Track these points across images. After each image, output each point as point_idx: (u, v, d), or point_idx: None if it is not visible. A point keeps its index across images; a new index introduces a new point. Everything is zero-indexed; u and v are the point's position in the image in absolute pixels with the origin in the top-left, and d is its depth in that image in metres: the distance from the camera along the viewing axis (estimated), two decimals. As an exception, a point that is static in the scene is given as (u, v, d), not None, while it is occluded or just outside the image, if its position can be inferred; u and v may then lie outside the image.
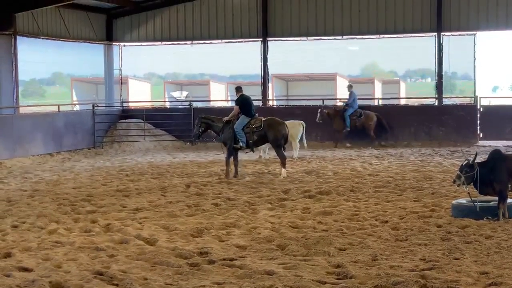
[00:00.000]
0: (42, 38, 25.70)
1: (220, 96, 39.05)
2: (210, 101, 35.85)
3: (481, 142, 25.27)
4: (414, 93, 39.88)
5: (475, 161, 11.05)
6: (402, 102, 34.38)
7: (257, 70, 28.75)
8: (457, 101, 29.01)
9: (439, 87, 26.73)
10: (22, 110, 25.48)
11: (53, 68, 33.36)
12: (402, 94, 38.71)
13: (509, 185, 10.98)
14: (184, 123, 27.62)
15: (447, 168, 18.05)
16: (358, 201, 13.15)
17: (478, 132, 25.67)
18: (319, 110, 25.30)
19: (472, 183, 11.04)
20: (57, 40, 26.57)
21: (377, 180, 16.02)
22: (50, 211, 12.57)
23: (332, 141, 25.71)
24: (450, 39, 26.55)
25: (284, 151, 17.23)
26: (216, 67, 39.04)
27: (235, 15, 28.12)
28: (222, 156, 22.68)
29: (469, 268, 8.09)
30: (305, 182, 15.86)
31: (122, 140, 26.92)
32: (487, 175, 10.93)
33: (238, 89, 17.93)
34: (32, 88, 37.23)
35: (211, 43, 29.10)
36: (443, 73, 26.81)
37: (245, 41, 28.46)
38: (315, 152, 23.10)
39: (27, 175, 18.37)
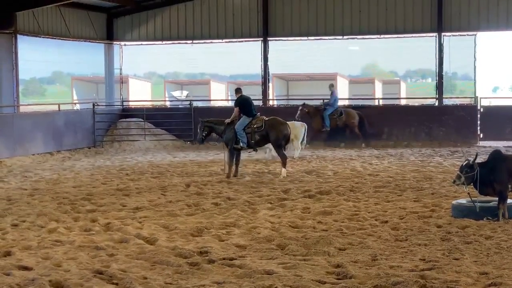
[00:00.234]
0: (43, 37, 25.70)
1: (220, 96, 39.06)
2: (210, 100, 35.86)
3: (481, 143, 25.27)
4: (415, 93, 39.87)
5: (475, 162, 11.05)
6: (403, 102, 34.39)
7: (258, 70, 28.75)
8: (458, 101, 29.02)
9: (439, 87, 26.73)
10: (22, 109, 25.49)
11: (54, 67, 33.35)
12: (403, 94, 38.73)
13: (509, 186, 10.97)
14: (185, 123, 27.64)
15: (447, 169, 18.05)
16: (358, 201, 13.15)
17: (478, 133, 25.68)
18: (300, 108, 25.18)
19: (472, 184, 11.04)
20: (58, 39, 26.57)
21: (377, 180, 16.02)
22: (50, 210, 12.57)
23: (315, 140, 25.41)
24: (451, 40, 26.55)
25: (285, 150, 17.25)
26: (217, 67, 39.04)
27: (236, 15, 28.12)
28: (222, 155, 22.74)
29: (468, 269, 8.09)
30: (305, 182, 15.86)
31: (122, 139, 26.93)
32: (487, 175, 10.92)
33: (238, 90, 18.01)
34: (32, 87, 37.22)
35: (211, 42, 29.10)
36: (443, 73, 26.82)
37: (245, 41, 28.47)
38: (315, 152, 23.09)
39: (27, 174, 18.37)
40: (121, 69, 30.06)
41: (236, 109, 17.35)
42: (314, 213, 11.96)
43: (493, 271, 8.00)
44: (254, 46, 28.40)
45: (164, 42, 29.47)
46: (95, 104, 27.44)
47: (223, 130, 17.46)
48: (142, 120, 27.84)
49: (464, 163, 11.12)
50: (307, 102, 25.93)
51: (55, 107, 25.91)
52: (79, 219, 11.76)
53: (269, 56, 28.15)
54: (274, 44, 28.29)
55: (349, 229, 10.51)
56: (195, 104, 28.95)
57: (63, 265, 8.59)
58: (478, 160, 11.23)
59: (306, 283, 7.60)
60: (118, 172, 18.71)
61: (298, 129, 20.93)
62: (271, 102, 30.18)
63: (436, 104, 27.01)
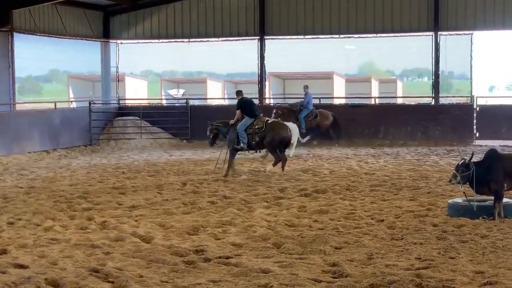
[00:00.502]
0: (39, 35, 25.67)
1: (217, 94, 39.04)
2: (207, 99, 35.85)
3: (478, 142, 25.30)
4: (411, 92, 39.89)
5: (471, 161, 11.07)
6: (399, 101, 34.40)
7: (254, 68, 28.74)
8: (454, 100, 29.03)
9: (435, 86, 26.75)
10: (18, 107, 25.45)
11: (50, 65, 33.36)
12: (399, 93, 38.75)
13: (505, 185, 10.99)
14: (181, 121, 27.64)
15: (443, 167, 18.07)
16: (354, 200, 13.16)
17: (475, 132, 25.71)
18: (274, 110, 24.95)
19: (468, 183, 11.06)
20: (54, 37, 26.53)
21: (373, 179, 16.03)
22: (46, 208, 12.56)
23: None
24: (447, 39, 26.57)
25: (289, 155, 17.44)
26: (213, 65, 39.08)
27: (232, 13, 28.11)
28: (218, 154, 22.73)
29: (464, 267, 8.10)
30: (301, 181, 15.87)
31: (118, 138, 26.91)
32: (483, 174, 10.94)
33: (238, 92, 18.21)
34: (28, 85, 37.21)
35: (208, 41, 29.08)
36: (439, 72, 26.83)
37: (242, 39, 28.46)
38: (311, 151, 23.10)
39: (23, 172, 18.35)
40: (117, 67, 30.02)
41: (238, 112, 17.52)
42: (310, 212, 11.97)
43: (489, 270, 8.01)
44: (250, 45, 28.39)
45: (160, 41, 29.45)
46: (92, 102, 27.42)
47: (226, 131, 17.62)
48: (139, 118, 27.82)
49: (460, 162, 11.13)
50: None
51: (52, 105, 25.88)
52: (75, 217, 11.76)
53: (265, 54, 28.14)
54: (271, 43, 28.29)
55: (345, 228, 10.52)
56: (191, 102, 28.92)
57: (59, 263, 8.58)
58: (474, 159, 11.25)
59: (302, 282, 7.60)
60: (114, 170, 18.70)
61: (294, 130, 20.89)
62: (267, 101, 30.16)
63: (433, 103, 27.02)
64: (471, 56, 26.47)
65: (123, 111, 28.75)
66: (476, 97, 26.23)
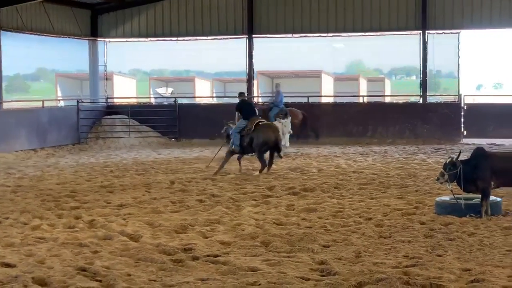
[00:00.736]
0: (27, 33, 25.55)
1: (205, 93, 39.03)
2: (195, 97, 35.82)
3: (465, 140, 25.39)
4: (399, 90, 40.00)
5: (459, 159, 11.11)
6: (387, 99, 34.49)
7: (243, 67, 28.74)
8: (442, 99, 29.12)
9: (423, 85, 26.82)
10: (6, 105, 25.33)
11: (38, 63, 33.25)
12: (387, 91, 38.84)
13: (492, 183, 11.04)
14: (169, 120, 27.60)
15: (431, 166, 18.12)
16: (342, 198, 13.18)
17: (462, 130, 25.80)
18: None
19: (455, 181, 11.10)
20: (42, 35, 26.43)
21: (361, 177, 16.06)
22: (33, 206, 12.52)
23: None
24: (435, 37, 26.65)
25: (280, 157, 17.36)
26: (202, 64, 39.03)
27: (221, 12, 28.09)
28: (207, 152, 22.77)
29: (451, 265, 8.13)
30: (290, 179, 15.88)
31: (107, 136, 26.85)
32: (470, 173, 10.98)
33: (240, 94, 18.47)
34: (16, 84, 37.08)
35: (196, 39, 29.05)
36: (427, 71, 26.92)
37: (230, 38, 28.44)
38: (299, 149, 23.12)
39: (10, 170, 18.28)
40: (105, 65, 29.95)
41: (237, 113, 17.69)
42: (298, 210, 11.98)
43: (476, 267, 8.05)
44: (239, 43, 28.38)
45: (149, 39, 29.38)
46: (80, 101, 27.34)
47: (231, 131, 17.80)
48: (127, 117, 27.76)
49: (448, 161, 11.17)
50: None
51: (39, 104, 25.79)
52: (62, 216, 11.72)
53: (254, 53, 28.15)
54: (259, 41, 28.29)
55: (333, 226, 10.54)
56: (180, 101, 28.89)
57: (46, 262, 8.56)
58: (462, 158, 11.29)
59: (290, 280, 7.61)
60: (103, 169, 18.66)
61: (285, 127, 20.94)
62: (255, 99, 30.17)
63: (420, 101, 27.10)
64: (458, 55, 26.57)
65: (112, 109, 28.68)
66: (464, 95, 26.33)
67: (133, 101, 32.45)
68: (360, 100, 30.78)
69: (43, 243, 9.62)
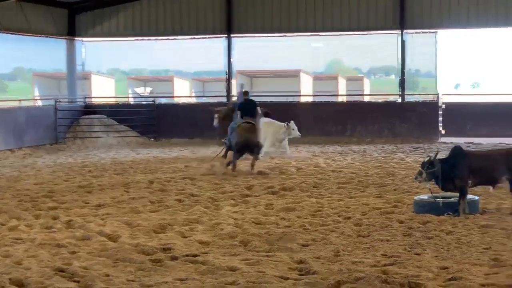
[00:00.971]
0: (3, 33, 25.33)
1: (184, 92, 38.96)
2: (174, 97, 35.74)
3: (443, 139, 25.52)
4: (378, 90, 40.17)
5: (437, 158, 11.17)
6: (366, 98, 34.62)
7: (222, 66, 28.71)
8: (420, 98, 29.27)
9: (402, 84, 26.93)
10: (-18, 105, 25.15)
11: (15, 63, 33.04)
12: (366, 91, 38.99)
13: (470, 181, 11.11)
14: (148, 119, 27.51)
15: (410, 165, 18.19)
16: (321, 197, 13.20)
17: (440, 129, 25.94)
18: (215, 116, 24.64)
19: (433, 180, 11.15)
20: (18, 34, 26.23)
21: (340, 177, 16.09)
22: (10, 207, 12.41)
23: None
24: (413, 37, 26.79)
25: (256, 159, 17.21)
26: (181, 63, 38.98)
27: (200, 11, 28.03)
28: (186, 152, 22.76)
29: (429, 263, 8.17)
30: (269, 178, 15.87)
31: (85, 136, 26.71)
32: (448, 171, 11.04)
33: (244, 93, 18.49)
34: (-7, 83, 36.81)
35: (175, 39, 28.98)
36: (406, 70, 27.04)
37: (209, 37, 28.40)
38: (278, 149, 23.08)
39: (-13, 171, 18.14)
40: (83, 65, 29.78)
41: (238, 112, 17.81)
42: (277, 210, 11.98)
43: (454, 265, 8.09)
44: (218, 43, 28.35)
45: (127, 39, 29.26)
46: (57, 100, 27.17)
47: None
48: (105, 116, 27.64)
49: (426, 160, 11.23)
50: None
51: (16, 104, 25.60)
52: (40, 216, 11.63)
53: (233, 52, 28.12)
54: (238, 41, 28.27)
55: (312, 225, 10.54)
56: (158, 100, 28.81)
57: (23, 263, 8.49)
58: (440, 157, 11.35)
59: (269, 279, 7.60)
60: (81, 169, 18.56)
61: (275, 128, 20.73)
62: (234, 99, 30.16)
63: (399, 100, 27.22)
64: (436, 55, 26.72)
65: (90, 109, 28.54)
66: (442, 94, 26.49)
67: (112, 100, 32.30)
68: (339, 99, 30.90)
69: (20, 244, 9.54)
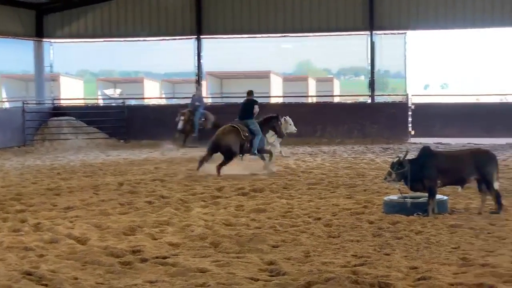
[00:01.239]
0: (-31, 34, 25.10)
1: (154, 94, 38.80)
2: (144, 98, 35.58)
3: (412, 139, 25.69)
4: (348, 91, 40.31)
5: (406, 158, 11.23)
6: (336, 99, 34.73)
7: (192, 68, 28.65)
8: (389, 99, 29.44)
9: (371, 85, 27.08)
10: (-51, 107, 24.84)
11: (-19, 65, 32.62)
12: (336, 91, 39.12)
13: (438, 182, 11.18)
14: (117, 121, 27.35)
15: (380, 165, 18.28)
16: (292, 198, 13.20)
17: (410, 130, 26.11)
18: (182, 118, 24.64)
19: (403, 180, 11.21)
20: (-15, 36, 25.98)
21: (310, 177, 16.12)
22: (-23, 210, 12.26)
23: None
24: (383, 38, 26.94)
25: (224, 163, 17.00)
26: (150, 65, 38.79)
27: (169, 13, 27.95)
28: (155, 154, 22.68)
29: (399, 263, 8.20)
30: (239, 180, 15.85)
31: (53, 138, 26.48)
32: (417, 172, 11.10)
33: (248, 93, 18.47)
34: (-41, 85, 36.36)
35: (144, 40, 28.86)
36: (375, 71, 27.18)
37: (179, 39, 28.32)
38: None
39: (-46, 174, 17.90)
40: (51, 66, 29.53)
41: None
42: (248, 211, 11.96)
43: (423, 265, 8.13)
44: (188, 44, 28.29)
45: (95, 40, 29.07)
46: (25, 102, 26.91)
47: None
48: (74, 118, 27.43)
49: (395, 160, 11.29)
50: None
51: (-17, 106, 25.34)
52: (7, 219, 11.48)
53: (202, 53, 28.07)
54: (208, 42, 28.23)
55: (283, 226, 10.54)
56: (128, 102, 28.66)
57: (-10, 266, 8.38)
58: (409, 157, 11.41)
59: (239, 281, 7.59)
60: (49, 171, 18.39)
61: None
62: (204, 100, 30.08)
63: (369, 101, 27.35)
64: (405, 55, 26.90)
65: (58, 111, 28.31)
66: (411, 95, 26.67)
67: (81, 102, 32.07)
68: (309, 100, 30.94)
69: (-13, 248, 9.42)
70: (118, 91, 40.15)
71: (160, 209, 12.20)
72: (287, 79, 39.03)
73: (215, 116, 25.02)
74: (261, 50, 31.70)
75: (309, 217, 11.32)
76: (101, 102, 34.88)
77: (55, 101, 29.63)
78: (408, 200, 11.18)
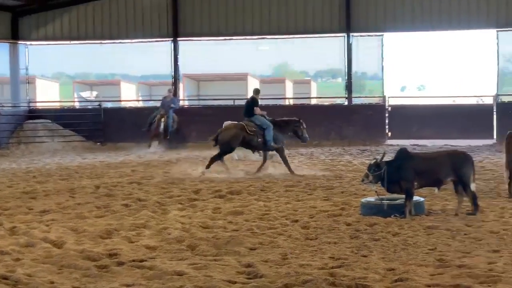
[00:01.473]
0: None
1: (131, 96, 38.65)
2: (120, 101, 35.42)
3: (389, 141, 25.80)
4: (325, 93, 40.41)
5: (383, 160, 11.26)
6: (313, 101, 34.79)
7: (168, 70, 28.56)
8: (366, 100, 29.56)
9: (349, 87, 27.17)
10: None
11: (-45, 67, 32.29)
12: (313, 94, 39.20)
13: (415, 183, 11.22)
14: (94, 124, 27.21)
15: (357, 167, 18.33)
16: (269, 201, 13.19)
17: (387, 131, 26.22)
18: (161, 120, 24.71)
19: (380, 182, 11.24)
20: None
21: (287, 180, 16.12)
22: (-48, 214, 12.13)
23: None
24: (359, 40, 27.03)
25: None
26: (127, 67, 38.63)
27: (145, 15, 27.87)
28: (132, 157, 22.59)
29: (376, 265, 8.22)
30: (216, 182, 15.82)
31: (29, 141, 26.30)
32: (394, 173, 11.13)
33: (254, 91, 18.42)
34: None
35: (120, 42, 28.74)
36: (352, 73, 27.28)
37: (155, 41, 28.24)
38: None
39: None
40: (27, 69, 29.32)
41: None
42: (225, 213, 11.94)
43: (400, 267, 8.15)
44: (164, 46, 28.22)
45: (72, 42, 28.92)
46: (0, 105, 26.69)
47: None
48: (50, 121, 27.26)
49: (372, 162, 11.31)
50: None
51: (-42, 108, 25.10)
52: (-18, 223, 11.37)
53: (179, 56, 28.01)
54: (185, 44, 28.17)
55: (260, 229, 10.52)
56: (105, 105, 28.52)
57: (-35, 271, 8.28)
58: (386, 159, 11.44)
59: (216, 284, 7.56)
60: (25, 174, 18.25)
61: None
62: (181, 103, 30.00)
63: (346, 103, 27.43)
64: (382, 57, 27.02)
65: (34, 114, 28.14)
66: (388, 97, 26.78)
67: (56, 105, 31.87)
68: (286, 102, 30.97)
69: (-38, 252, 9.31)
70: (94, 93, 39.97)
71: (137, 212, 12.14)
72: (265, 81, 39.01)
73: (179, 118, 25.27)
74: (238, 52, 31.69)
75: (286, 219, 11.31)
76: (77, 105, 34.71)
77: (31, 104, 29.43)
78: (385, 202, 11.21)
